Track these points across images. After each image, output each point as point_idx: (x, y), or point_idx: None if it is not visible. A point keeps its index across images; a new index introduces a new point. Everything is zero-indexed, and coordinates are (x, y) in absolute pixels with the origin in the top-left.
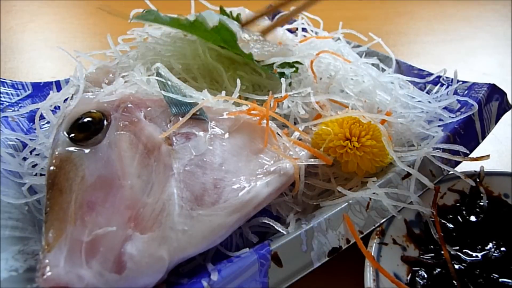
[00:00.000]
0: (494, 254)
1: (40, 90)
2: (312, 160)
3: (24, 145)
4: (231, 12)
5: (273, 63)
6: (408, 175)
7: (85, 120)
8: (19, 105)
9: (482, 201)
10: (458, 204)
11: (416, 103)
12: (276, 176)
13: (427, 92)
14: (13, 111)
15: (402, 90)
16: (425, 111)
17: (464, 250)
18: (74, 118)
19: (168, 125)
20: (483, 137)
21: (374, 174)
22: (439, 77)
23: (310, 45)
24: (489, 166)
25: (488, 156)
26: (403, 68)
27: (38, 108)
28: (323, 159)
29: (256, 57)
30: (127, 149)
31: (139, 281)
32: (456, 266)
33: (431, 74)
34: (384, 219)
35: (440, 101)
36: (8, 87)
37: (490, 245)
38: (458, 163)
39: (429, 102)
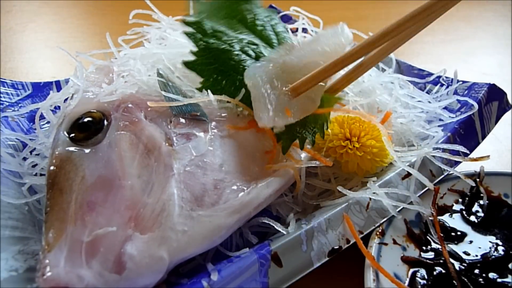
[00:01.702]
0: (493, 254)
1: (40, 90)
2: (312, 162)
3: (24, 145)
4: None
5: None
6: (408, 175)
7: (85, 120)
8: (19, 105)
9: (482, 201)
10: (458, 204)
11: (416, 103)
12: (276, 177)
13: (427, 92)
14: (13, 111)
15: (402, 90)
16: (425, 111)
17: (464, 250)
18: (74, 118)
19: (169, 125)
20: (483, 137)
21: (374, 174)
22: (439, 77)
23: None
24: (489, 166)
25: (488, 156)
26: (403, 68)
27: (38, 108)
28: (322, 161)
29: None
30: (128, 149)
31: (139, 281)
32: (456, 266)
33: (431, 74)
34: (384, 219)
35: (440, 101)
36: (8, 87)
37: (490, 245)
38: (458, 163)
39: (429, 102)
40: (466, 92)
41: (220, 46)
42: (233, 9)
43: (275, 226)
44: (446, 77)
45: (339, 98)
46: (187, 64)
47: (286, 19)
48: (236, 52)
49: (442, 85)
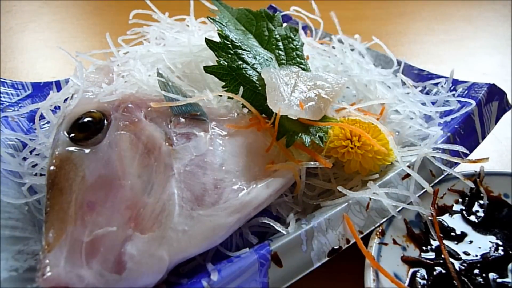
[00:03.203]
0: (493, 254)
1: (40, 90)
2: (312, 162)
3: (24, 145)
4: None
5: None
6: (408, 175)
7: (85, 120)
8: (19, 105)
9: (482, 201)
10: (458, 204)
11: (415, 103)
12: (276, 177)
13: (426, 92)
14: (13, 111)
15: (402, 90)
16: (425, 111)
17: (464, 250)
18: (74, 118)
19: (169, 125)
20: (483, 137)
21: (376, 173)
22: (439, 77)
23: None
24: (489, 166)
25: (487, 158)
26: (403, 68)
27: (38, 108)
28: (322, 162)
29: None
30: (127, 149)
31: (139, 281)
32: (456, 266)
33: (431, 74)
34: (384, 219)
35: (440, 101)
36: (8, 87)
37: (490, 245)
38: (458, 163)
39: (429, 102)
40: (466, 92)
41: (237, 62)
42: (251, 24)
43: (275, 226)
44: (446, 77)
45: (335, 119)
46: (207, 68)
47: (286, 19)
48: (249, 71)
49: (442, 85)
